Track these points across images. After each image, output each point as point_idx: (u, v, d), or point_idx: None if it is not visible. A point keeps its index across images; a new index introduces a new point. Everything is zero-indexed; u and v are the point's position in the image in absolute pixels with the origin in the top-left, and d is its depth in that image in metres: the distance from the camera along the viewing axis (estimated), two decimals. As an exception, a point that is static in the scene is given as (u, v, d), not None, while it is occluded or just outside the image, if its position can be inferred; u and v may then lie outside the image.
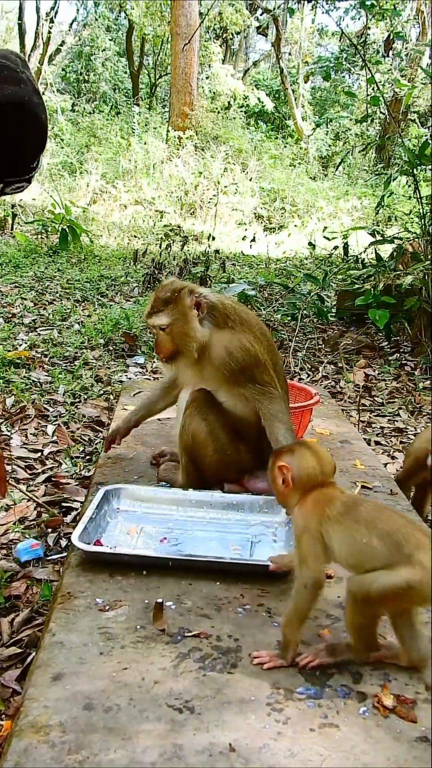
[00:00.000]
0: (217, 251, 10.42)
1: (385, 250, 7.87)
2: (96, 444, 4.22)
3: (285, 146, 19.90)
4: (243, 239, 11.48)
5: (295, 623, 1.69)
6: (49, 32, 23.47)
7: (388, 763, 1.42)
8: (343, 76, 24.25)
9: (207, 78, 21.45)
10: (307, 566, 1.69)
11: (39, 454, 4.03)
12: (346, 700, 1.59)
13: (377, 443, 4.61)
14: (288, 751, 1.43)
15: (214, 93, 21.15)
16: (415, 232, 6.96)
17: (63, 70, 25.60)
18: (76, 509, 3.36)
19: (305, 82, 23.00)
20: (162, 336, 2.66)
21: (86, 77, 24.04)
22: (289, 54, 24.44)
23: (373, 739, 1.48)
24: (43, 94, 21.19)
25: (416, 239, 6.85)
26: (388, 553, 1.59)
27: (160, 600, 1.89)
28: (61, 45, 26.52)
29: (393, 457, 4.35)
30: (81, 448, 4.15)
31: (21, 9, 25.56)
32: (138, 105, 20.88)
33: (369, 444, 4.36)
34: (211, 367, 2.64)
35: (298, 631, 1.70)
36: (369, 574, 1.60)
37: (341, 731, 1.50)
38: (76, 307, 7.45)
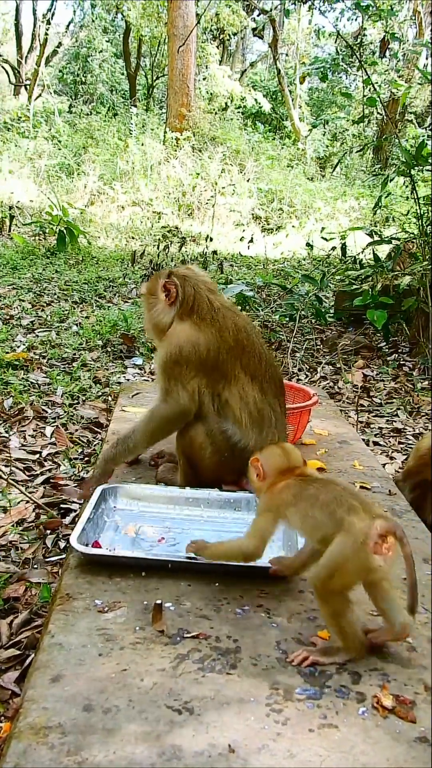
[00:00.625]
0: (214, 252, 10.44)
1: (383, 250, 7.87)
2: (95, 445, 4.22)
3: (282, 147, 19.92)
4: (241, 240, 11.51)
5: (216, 555, 1.98)
6: (46, 34, 23.49)
7: (387, 764, 1.42)
8: (340, 77, 24.25)
9: (204, 79, 21.46)
10: (252, 538, 1.90)
11: (37, 455, 4.03)
12: (345, 701, 1.59)
13: (376, 444, 4.62)
14: (287, 752, 1.43)
15: (211, 94, 21.15)
16: (413, 233, 6.97)
17: (60, 71, 25.57)
18: (75, 510, 3.37)
19: (301, 83, 23.01)
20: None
21: (83, 79, 24.01)
22: (286, 55, 24.47)
23: (373, 739, 1.48)
24: (40, 96, 21.25)
25: (414, 240, 6.86)
26: (327, 520, 1.72)
27: (159, 601, 1.89)
28: (58, 46, 26.54)
29: (391, 458, 4.36)
30: (79, 450, 4.15)
31: (18, 10, 25.67)
32: (135, 106, 20.88)
33: (367, 444, 4.36)
34: (161, 353, 2.69)
35: (215, 558, 1.98)
36: (318, 563, 1.73)
37: (340, 732, 1.49)
38: (75, 308, 7.45)
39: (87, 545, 2.14)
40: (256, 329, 2.80)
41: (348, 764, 1.41)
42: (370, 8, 8.25)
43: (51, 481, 3.71)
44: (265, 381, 2.67)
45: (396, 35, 12.27)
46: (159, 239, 10.81)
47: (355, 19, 18.72)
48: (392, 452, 4.46)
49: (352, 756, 1.43)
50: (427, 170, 6.83)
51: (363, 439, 4.11)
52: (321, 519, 1.74)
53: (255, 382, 2.64)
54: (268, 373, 2.69)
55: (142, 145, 16.33)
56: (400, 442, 4.64)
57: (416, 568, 2.19)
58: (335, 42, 20.46)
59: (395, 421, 5.03)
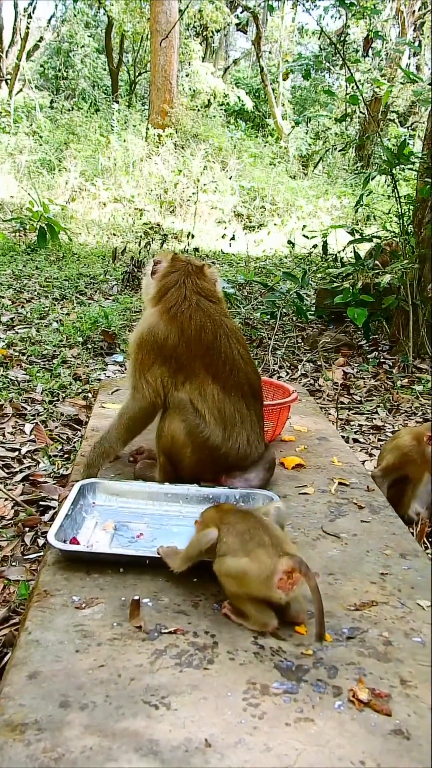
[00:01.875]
0: (196, 249, 10.43)
1: (364, 248, 7.91)
2: (74, 442, 4.20)
3: (265, 145, 19.94)
4: (222, 237, 11.50)
5: (183, 561, 1.98)
6: (27, 28, 23.29)
7: (362, 757, 1.43)
8: (323, 75, 24.33)
9: (187, 76, 21.43)
10: (203, 527, 2.00)
11: (16, 452, 4.01)
12: (322, 695, 1.60)
13: (355, 441, 4.64)
14: (264, 746, 1.43)
15: (193, 91, 21.13)
16: (394, 231, 7.00)
17: (41, 66, 25.40)
18: (54, 508, 3.35)
19: (284, 80, 23.05)
20: None
21: (65, 74, 23.86)
22: (269, 52, 24.49)
23: (348, 732, 1.49)
24: (21, 90, 21.10)
25: (395, 238, 6.90)
26: (238, 548, 1.85)
27: (136, 597, 1.89)
28: (39, 41, 26.33)
29: (371, 455, 4.38)
30: (59, 447, 4.13)
31: (-1, 5, 25.37)
32: (117, 102, 20.80)
33: (347, 441, 4.38)
34: (130, 338, 2.77)
35: (183, 564, 1.98)
36: (223, 556, 1.87)
37: (317, 725, 1.50)
38: (55, 305, 7.42)
39: (65, 542, 2.13)
40: (235, 335, 2.73)
41: (324, 758, 1.42)
42: (354, 6, 8.27)
43: (30, 478, 3.69)
44: (229, 383, 2.64)
45: (379, 34, 12.33)
46: (141, 236, 10.78)
47: (339, 17, 18.80)
48: (372, 449, 4.49)
49: (328, 749, 1.44)
50: (409, 169, 6.85)
51: (343, 436, 4.13)
52: (233, 546, 1.87)
53: (216, 382, 2.62)
54: (233, 376, 2.65)
55: (124, 141, 16.27)
56: (379, 439, 4.66)
57: (394, 562, 2.23)
58: (318, 39, 20.52)
59: (375, 419, 5.06)
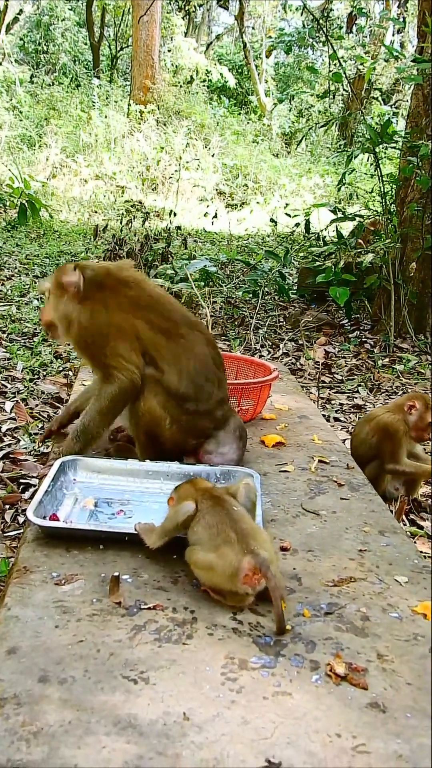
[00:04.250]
0: (178, 227, 10.36)
1: (347, 227, 7.90)
2: (55, 420, 4.19)
3: (248, 122, 19.79)
4: (205, 216, 11.44)
5: (159, 536, 2.00)
6: (6, 0, 22.83)
7: (339, 729, 1.45)
8: (307, 52, 24.11)
9: (169, 51, 21.16)
10: (179, 501, 2.02)
11: (-4, 430, 3.99)
12: (300, 669, 1.62)
13: (336, 419, 4.66)
14: (241, 719, 1.45)
15: (176, 66, 20.87)
16: (376, 210, 7.00)
17: (21, 39, 24.90)
18: (34, 485, 3.35)
19: (267, 57, 22.83)
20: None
21: (45, 48, 23.46)
22: (253, 28, 24.22)
23: (325, 706, 1.51)
24: (0, 64, 20.72)
25: (377, 217, 6.89)
26: (206, 540, 1.88)
27: (116, 573, 1.90)
28: (19, 14, 25.79)
29: (351, 433, 4.40)
30: (39, 425, 4.11)
31: (-23, -25, 24.85)
32: (98, 77, 20.51)
33: (328, 420, 4.40)
34: (78, 336, 2.66)
35: (159, 539, 2.00)
36: (194, 546, 1.91)
37: (294, 699, 1.52)
38: (35, 283, 7.35)
39: (44, 518, 2.13)
40: (169, 297, 2.77)
41: (300, 731, 1.43)
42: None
43: (10, 456, 3.68)
44: (188, 341, 2.64)
45: (362, 10, 12.20)
46: (122, 214, 10.69)
47: (322, -7, 18.59)
48: (352, 428, 4.51)
49: (305, 722, 1.46)
50: (392, 148, 6.83)
51: (323, 415, 4.15)
52: (202, 538, 1.90)
53: (172, 340, 2.62)
54: (189, 335, 2.66)
55: (106, 117, 16.08)
56: (360, 418, 4.68)
57: (373, 539, 2.24)
58: (302, 15, 20.31)
59: (356, 398, 5.08)
